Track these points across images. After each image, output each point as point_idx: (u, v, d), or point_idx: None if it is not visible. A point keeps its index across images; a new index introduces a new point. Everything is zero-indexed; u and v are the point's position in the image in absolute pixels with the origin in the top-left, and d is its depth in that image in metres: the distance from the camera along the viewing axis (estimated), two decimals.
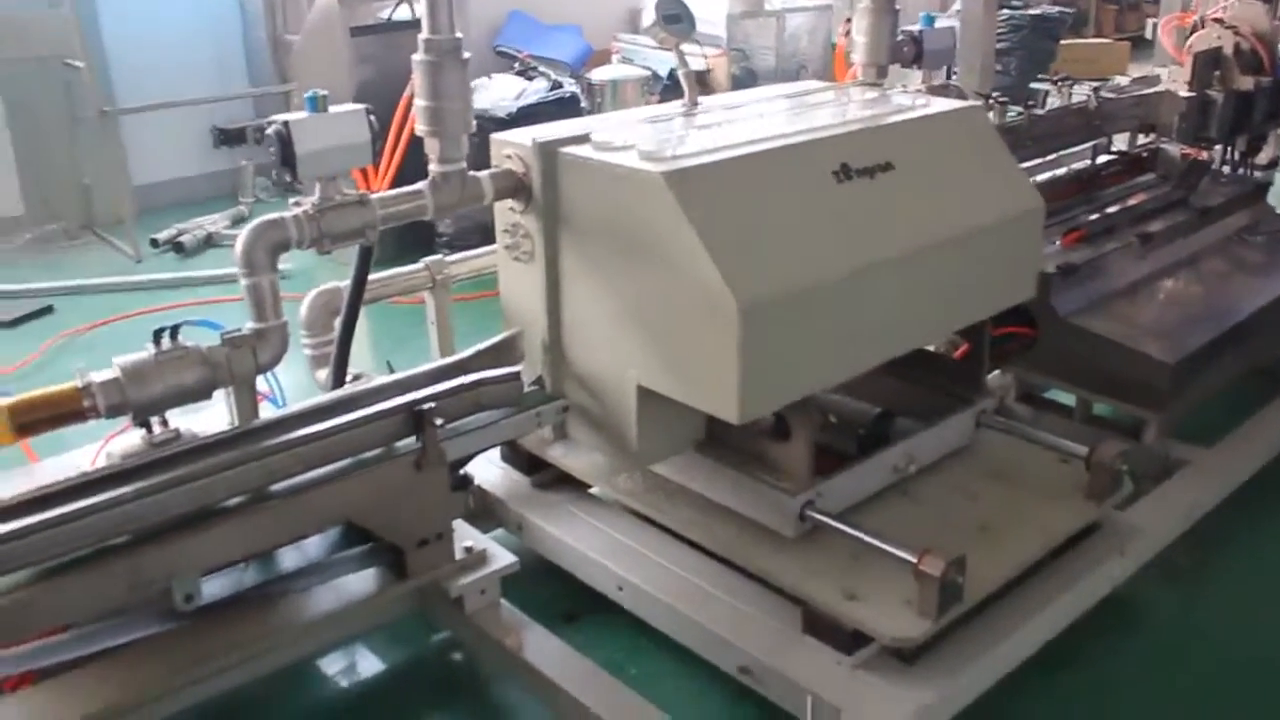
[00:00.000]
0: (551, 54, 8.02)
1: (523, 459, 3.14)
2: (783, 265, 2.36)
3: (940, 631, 2.48)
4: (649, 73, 7.29)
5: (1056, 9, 9.29)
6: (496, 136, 2.73)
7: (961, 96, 3.61)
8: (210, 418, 2.67)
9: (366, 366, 2.97)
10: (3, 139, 6.52)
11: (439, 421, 2.46)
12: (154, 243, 6.43)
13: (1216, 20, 4.46)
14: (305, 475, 2.34)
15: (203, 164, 7.21)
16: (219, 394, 2.45)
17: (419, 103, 2.55)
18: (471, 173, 2.62)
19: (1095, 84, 4.13)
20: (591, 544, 2.90)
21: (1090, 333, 3.35)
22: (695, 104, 2.97)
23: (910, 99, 3.04)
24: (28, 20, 6.45)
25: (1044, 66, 8.41)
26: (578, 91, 6.25)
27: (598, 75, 7.39)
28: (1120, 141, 4.40)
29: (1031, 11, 8.93)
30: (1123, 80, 4.71)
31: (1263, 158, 4.83)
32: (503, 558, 2.71)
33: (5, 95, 6.50)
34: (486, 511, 3.13)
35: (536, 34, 8.33)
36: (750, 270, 2.28)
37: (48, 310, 5.50)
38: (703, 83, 8.14)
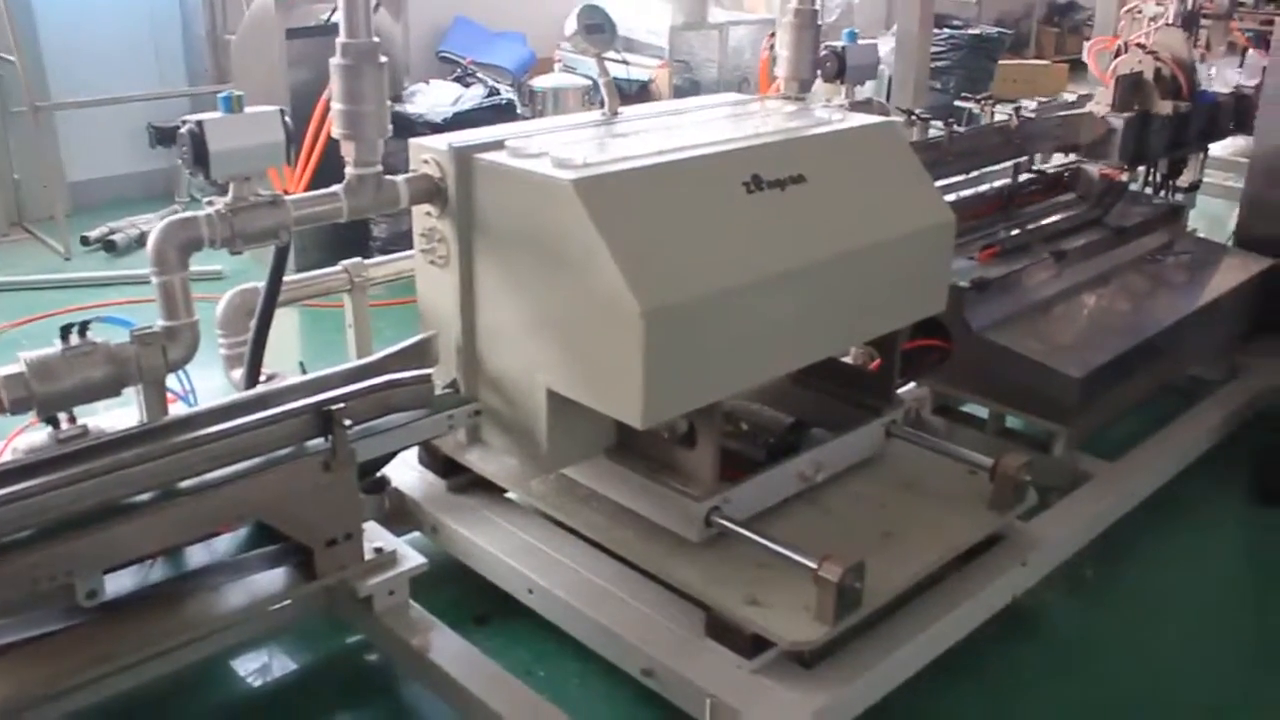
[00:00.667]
0: (495, 61, 8.06)
1: (439, 463, 3.17)
2: (689, 273, 2.41)
3: (842, 637, 2.55)
4: (590, 81, 7.35)
5: (996, 30, 9.46)
6: (415, 141, 2.77)
7: (883, 112, 3.70)
8: (121, 416, 2.68)
9: (284, 368, 2.99)
10: None
11: (348, 422, 2.49)
12: (85, 240, 6.38)
13: (1139, 45, 4.59)
14: (213, 473, 2.36)
15: (138, 162, 7.14)
16: (129, 391, 2.46)
17: (336, 106, 2.58)
18: (388, 176, 2.66)
19: (1018, 103, 4.22)
20: (503, 547, 2.93)
21: (1001, 347, 3.44)
22: (615, 113, 3.02)
23: (828, 113, 3.10)
24: None
25: (983, 85, 8.55)
26: (514, 98, 6.28)
27: (539, 83, 7.46)
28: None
29: (971, 31, 9.09)
30: (1068, 97, 4.82)
31: (1184, 180, 4.97)
32: (412, 559, 2.74)
33: None
34: (403, 514, 3.15)
35: (481, 41, 8.36)
36: (656, 277, 2.33)
37: None
38: (646, 93, 8.25)
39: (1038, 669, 2.98)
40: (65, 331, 2.33)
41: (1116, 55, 4.66)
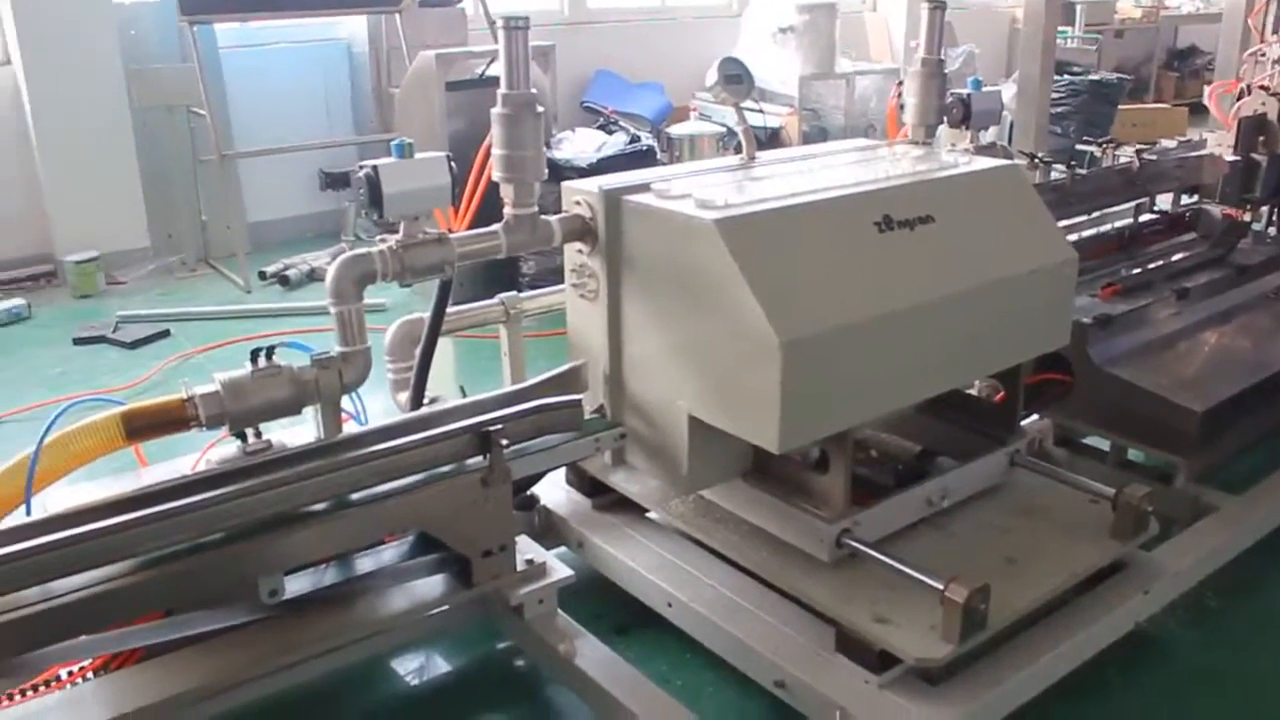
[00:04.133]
0: (635, 110, 8.20)
1: (585, 482, 3.22)
2: (823, 307, 2.42)
3: (967, 657, 2.51)
4: (724, 129, 7.41)
5: (1115, 75, 9.25)
6: (567, 184, 2.84)
7: (1007, 156, 3.65)
8: (300, 433, 2.79)
9: (445, 391, 3.07)
10: (134, 178, 6.81)
11: (505, 442, 2.54)
12: (262, 275, 6.65)
13: (1262, 87, 4.45)
14: (381, 486, 2.43)
15: (310, 204, 7.45)
16: (308, 410, 2.57)
17: (496, 151, 2.66)
18: (543, 216, 2.73)
19: (1140, 146, 4.13)
20: (644, 563, 2.96)
21: (1123, 380, 3.35)
22: (752, 158, 3.04)
23: (954, 157, 3.09)
24: (160, 73, 6.79)
25: (1103, 130, 8.36)
26: (654, 145, 6.36)
27: (676, 130, 7.54)
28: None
29: (1091, 77, 8.90)
30: (1169, 143, 4.69)
31: None
32: (560, 571, 2.78)
33: (138, 139, 6.80)
34: (551, 530, 3.21)
35: (621, 91, 8.51)
36: (792, 311, 2.35)
37: (165, 334, 5.72)
38: (776, 139, 8.28)
39: (1162, 695, 2.88)
40: (255, 355, 2.44)
41: (1239, 98, 4.53)
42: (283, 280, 6.61)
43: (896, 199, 2.69)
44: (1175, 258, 4.10)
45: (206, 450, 2.78)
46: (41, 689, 2.28)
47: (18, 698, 2.25)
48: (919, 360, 2.63)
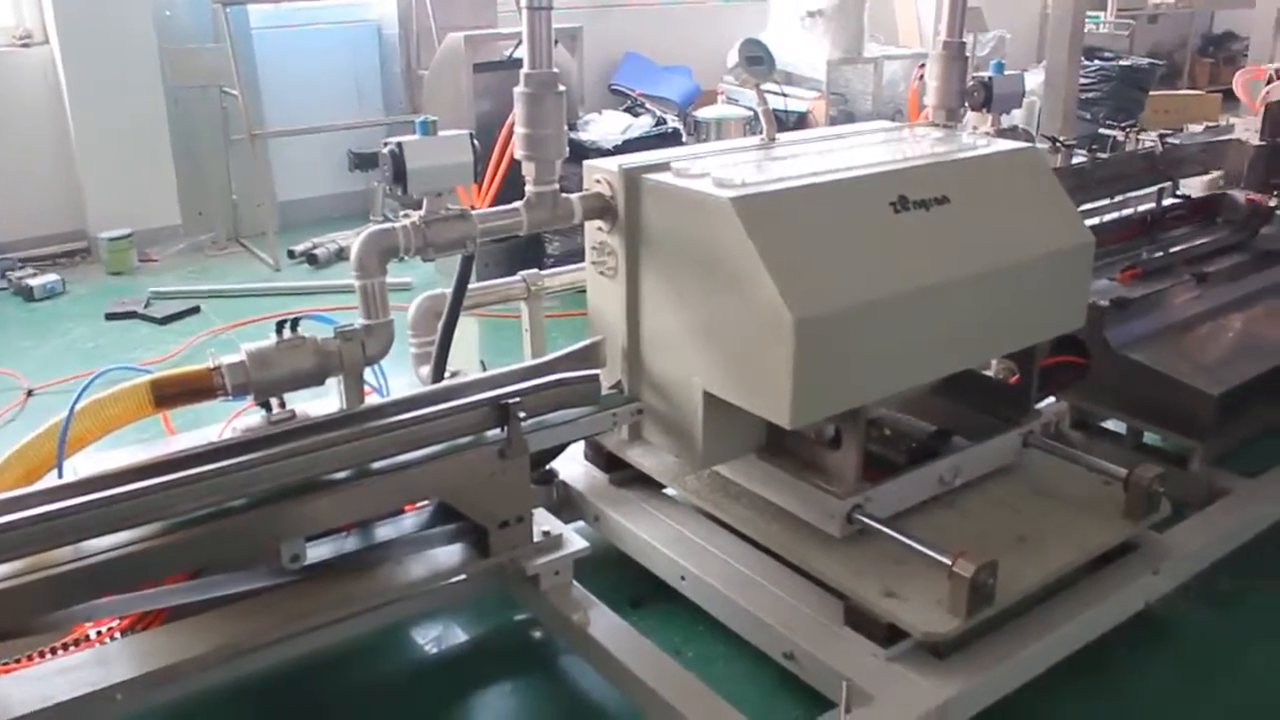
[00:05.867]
0: (662, 93, 8.22)
1: (603, 458, 3.28)
2: (837, 286, 2.45)
3: (975, 632, 2.55)
4: (751, 112, 7.42)
5: (1147, 61, 9.18)
6: (589, 163, 2.88)
7: (1028, 139, 3.66)
8: (324, 405, 2.85)
9: (466, 367, 3.12)
10: (167, 157, 6.90)
11: (523, 415, 2.59)
12: (291, 254, 6.73)
13: None
14: (402, 456, 2.48)
15: (339, 184, 7.50)
16: (331, 382, 2.62)
17: (518, 130, 2.71)
18: (563, 194, 2.77)
19: (1164, 131, 4.13)
20: (659, 537, 3.01)
21: (1139, 363, 3.37)
22: (773, 139, 3.07)
23: (973, 139, 3.11)
24: (194, 54, 6.86)
25: (1132, 115, 8.30)
26: (680, 128, 6.39)
27: (704, 114, 7.56)
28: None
29: (1121, 63, 8.84)
30: (1195, 128, 4.69)
31: None
32: (576, 543, 2.82)
33: (171, 118, 6.88)
34: (569, 504, 3.27)
35: (649, 74, 8.53)
36: (806, 289, 2.38)
37: (195, 310, 5.81)
38: (803, 123, 8.28)
39: (1169, 676, 2.91)
40: (280, 327, 2.50)
41: (1268, 83, 4.52)
42: (311, 259, 6.69)
43: (912, 179, 2.71)
44: (1197, 242, 4.10)
45: (232, 419, 2.84)
46: (71, 647, 2.35)
47: (49, 655, 2.32)
48: (932, 340, 2.66)
